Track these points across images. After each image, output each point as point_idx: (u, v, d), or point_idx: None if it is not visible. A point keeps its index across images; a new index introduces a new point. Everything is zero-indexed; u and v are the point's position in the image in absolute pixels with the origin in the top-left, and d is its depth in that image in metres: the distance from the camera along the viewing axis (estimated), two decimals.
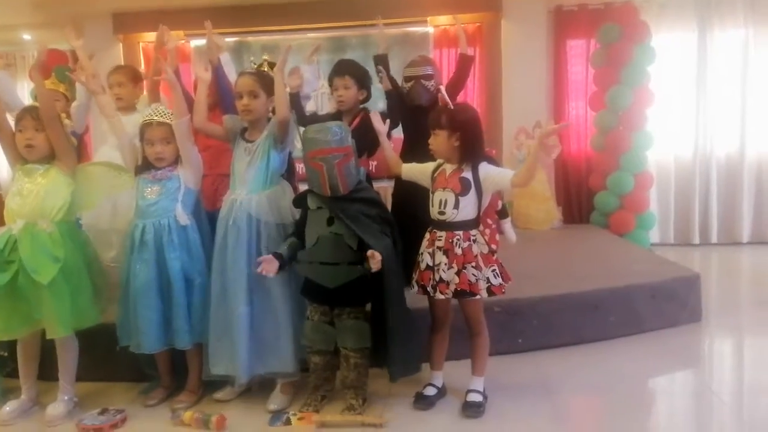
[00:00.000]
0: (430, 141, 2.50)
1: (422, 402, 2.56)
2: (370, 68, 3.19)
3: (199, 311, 2.60)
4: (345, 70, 3.05)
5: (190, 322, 2.58)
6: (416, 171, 2.63)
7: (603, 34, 5.70)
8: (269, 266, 2.41)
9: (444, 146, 2.47)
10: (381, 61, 3.24)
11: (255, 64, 3.58)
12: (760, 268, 5.36)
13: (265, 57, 3.55)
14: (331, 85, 3.09)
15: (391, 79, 3.19)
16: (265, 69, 3.38)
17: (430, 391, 2.59)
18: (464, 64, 3.26)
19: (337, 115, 3.05)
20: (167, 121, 2.57)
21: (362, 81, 3.05)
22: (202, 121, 2.67)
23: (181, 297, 2.56)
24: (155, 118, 2.59)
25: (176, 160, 2.63)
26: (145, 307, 2.53)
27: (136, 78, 3.33)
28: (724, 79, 6.07)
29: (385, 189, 3.47)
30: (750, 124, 6.03)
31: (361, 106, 3.11)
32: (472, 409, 2.47)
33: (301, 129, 2.62)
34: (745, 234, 6.11)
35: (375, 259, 2.31)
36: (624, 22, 5.56)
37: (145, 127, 2.60)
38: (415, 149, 2.91)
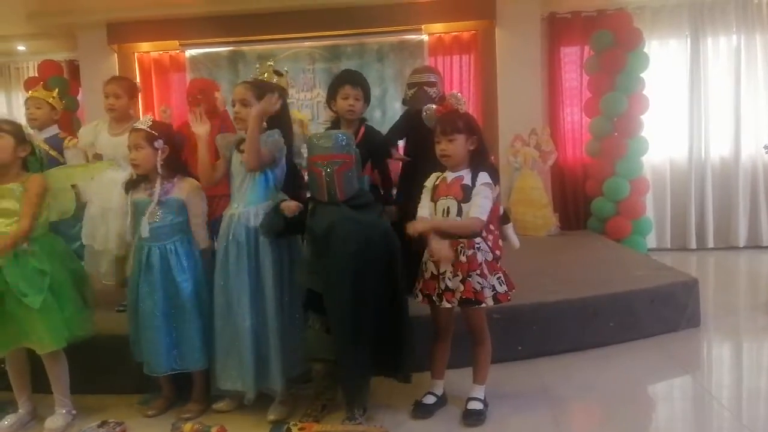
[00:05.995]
0: (444, 147, 2.48)
1: (421, 411, 2.55)
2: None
3: (209, 329, 2.60)
4: (359, 81, 3.00)
5: (204, 341, 2.58)
6: (423, 204, 2.55)
7: (596, 40, 5.74)
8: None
9: (462, 150, 2.47)
10: None
11: (259, 70, 3.56)
12: (756, 272, 5.38)
13: (270, 63, 3.54)
14: (336, 92, 2.99)
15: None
16: (272, 77, 3.37)
17: (430, 400, 2.58)
18: None
19: (335, 124, 3.05)
20: (142, 127, 2.59)
21: (368, 95, 3.05)
22: (209, 179, 2.67)
23: (194, 319, 2.57)
24: (135, 125, 2.63)
25: (156, 170, 2.58)
26: (150, 329, 2.54)
27: (133, 91, 3.36)
28: (717, 85, 6.11)
29: None
30: (744, 128, 6.07)
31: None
32: (472, 418, 2.46)
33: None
34: (741, 238, 6.14)
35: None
36: (617, 29, 5.60)
37: (129, 134, 2.65)
38: (418, 153, 3.01)
